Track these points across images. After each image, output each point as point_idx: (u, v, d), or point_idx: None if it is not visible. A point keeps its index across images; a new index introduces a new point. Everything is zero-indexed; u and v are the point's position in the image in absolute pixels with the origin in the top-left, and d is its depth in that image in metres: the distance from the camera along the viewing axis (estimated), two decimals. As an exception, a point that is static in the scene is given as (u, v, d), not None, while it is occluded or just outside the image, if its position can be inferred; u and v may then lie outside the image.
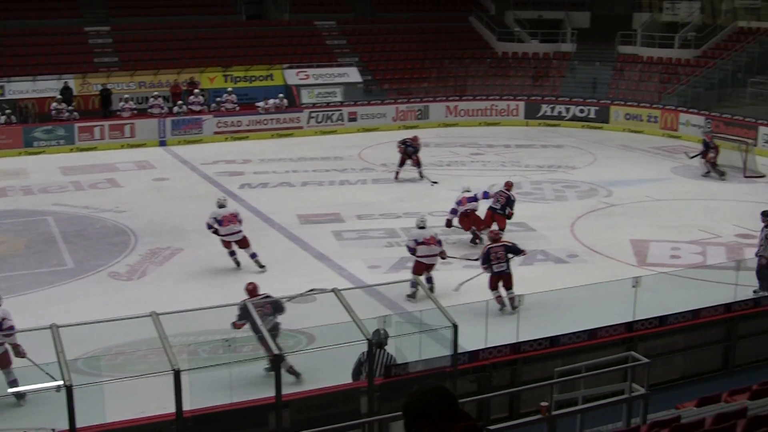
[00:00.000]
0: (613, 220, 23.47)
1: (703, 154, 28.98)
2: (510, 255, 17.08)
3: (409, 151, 28.46)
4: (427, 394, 4.79)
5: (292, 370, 13.36)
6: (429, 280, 17.79)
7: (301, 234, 22.11)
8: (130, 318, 13.37)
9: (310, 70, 40.98)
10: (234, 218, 19.47)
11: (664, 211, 24.51)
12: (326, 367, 13.32)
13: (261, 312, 13.35)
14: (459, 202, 21.52)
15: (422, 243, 17.82)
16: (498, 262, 16.92)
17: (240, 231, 19.46)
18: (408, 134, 29.95)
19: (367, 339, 12.00)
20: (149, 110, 36.69)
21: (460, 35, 46.45)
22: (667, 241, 21.41)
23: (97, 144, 34.70)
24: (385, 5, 47.61)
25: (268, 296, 14.26)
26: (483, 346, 13.32)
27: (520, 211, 22.25)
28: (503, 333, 13.75)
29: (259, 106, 37.53)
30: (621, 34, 42.93)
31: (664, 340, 14.48)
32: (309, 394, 12.51)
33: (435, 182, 27.69)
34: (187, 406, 11.41)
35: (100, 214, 24.25)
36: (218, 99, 38.19)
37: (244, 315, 13.53)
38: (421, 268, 17.82)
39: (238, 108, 37.64)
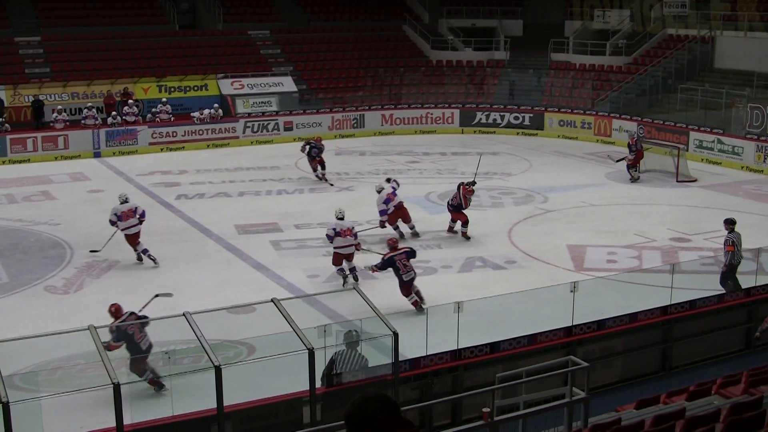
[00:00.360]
0: (550, 226, 23.72)
1: (629, 161, 29.53)
2: (411, 259, 17.60)
3: (313, 152, 29.20)
4: (369, 402, 4.82)
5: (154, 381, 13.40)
6: (352, 270, 19.03)
7: (239, 244, 22.04)
8: (68, 332, 13.26)
9: (244, 80, 40.85)
10: (132, 213, 20.66)
11: (599, 216, 24.84)
12: (268, 378, 13.28)
13: (136, 331, 13.42)
14: (387, 200, 22.21)
15: (339, 234, 18.82)
16: (406, 270, 17.33)
17: (136, 225, 20.58)
18: (342, 143, 29.97)
19: (308, 348, 12.01)
20: (83, 121, 36.25)
21: (394, 44, 46.64)
22: (603, 245, 21.70)
23: (30, 156, 34.21)
24: (319, 14, 47.61)
25: (132, 313, 14.02)
26: (424, 354, 13.40)
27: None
28: (444, 340, 13.83)
29: (194, 117, 37.31)
30: (553, 42, 43.40)
31: (602, 344, 14.70)
32: (251, 404, 12.46)
33: (332, 184, 28.72)
34: (128, 420, 11.34)
35: (34, 227, 23.91)
36: (153, 110, 37.89)
37: (121, 336, 13.45)
38: (339, 258, 18.94)
39: (173, 118, 37.38)
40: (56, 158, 34.36)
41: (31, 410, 11.60)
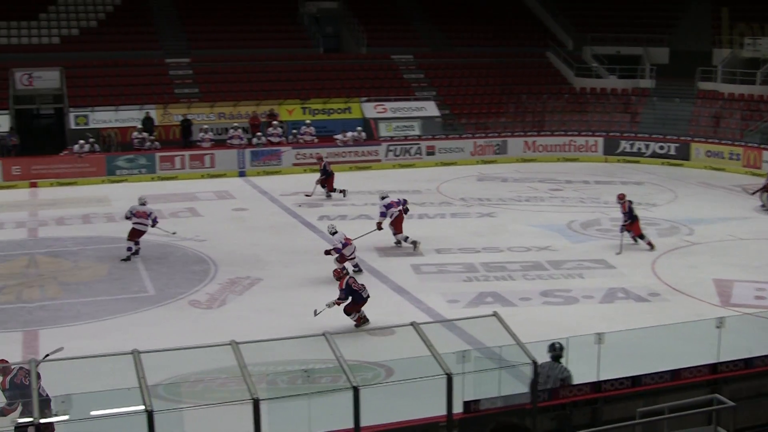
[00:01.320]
0: (695, 259, 23.07)
1: (765, 188, 28.63)
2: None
3: (328, 168, 31.36)
4: (506, 430, 4.75)
5: None
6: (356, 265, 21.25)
7: (380, 266, 22.12)
8: (211, 346, 13.48)
9: (387, 104, 41.21)
10: (146, 215, 23.20)
11: (748, 250, 24.03)
12: (405, 401, 13.24)
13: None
14: (389, 206, 23.94)
15: (345, 245, 20.84)
16: (363, 288, 17.93)
17: (146, 225, 23.14)
18: (484, 169, 29.80)
19: (446, 374, 11.91)
20: (228, 141, 37.16)
21: (537, 70, 46.32)
22: (751, 281, 20.97)
23: (177, 173, 35.23)
24: (461, 39, 47.66)
25: (22, 368, 13.13)
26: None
27: (599, 248, 22.08)
28: (584, 371, 13.55)
29: (337, 139, 37.78)
30: (701, 70, 42.41)
31: (750, 383, 14.15)
32: (388, 427, 12.43)
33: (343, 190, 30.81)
34: (266, 436, 11.44)
35: (180, 243, 24.55)
36: (295, 131, 38.53)
37: (15, 396, 12.72)
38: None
39: (316, 140, 37.94)
40: (202, 176, 35.28)
41: (174, 420, 11.84)
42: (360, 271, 21.20)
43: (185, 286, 20.50)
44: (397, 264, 22.33)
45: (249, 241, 24.68)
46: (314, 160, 34.68)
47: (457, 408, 12.43)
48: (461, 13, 48.80)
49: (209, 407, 12.60)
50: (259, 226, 26.71)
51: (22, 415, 12.77)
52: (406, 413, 12.79)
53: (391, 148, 38.39)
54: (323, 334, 12.60)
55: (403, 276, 21.27)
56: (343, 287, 17.60)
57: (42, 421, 11.17)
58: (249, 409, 11.27)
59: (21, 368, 13.14)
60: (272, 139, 37.39)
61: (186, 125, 38.19)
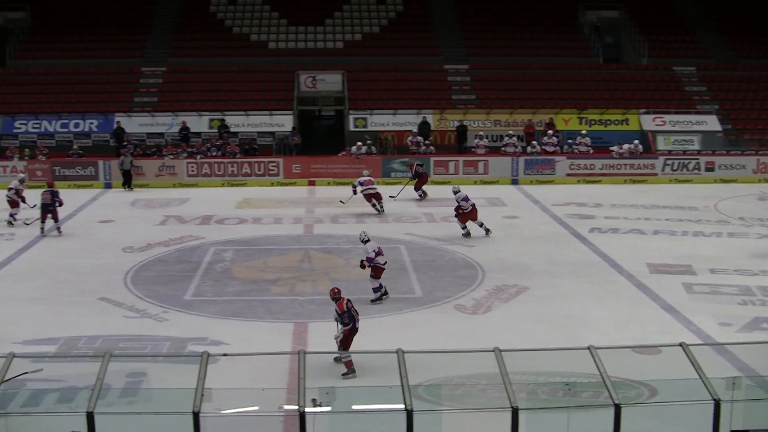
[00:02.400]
0: None
1: None
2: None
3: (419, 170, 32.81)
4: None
5: None
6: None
7: (650, 283, 21.38)
8: (473, 351, 13.51)
9: (667, 117, 40.02)
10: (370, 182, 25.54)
11: None
12: (667, 424, 12.72)
13: None
14: (465, 198, 26.04)
15: (378, 254, 19.77)
16: (357, 319, 16.16)
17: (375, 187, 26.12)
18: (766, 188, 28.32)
19: (714, 399, 11.35)
20: (503, 148, 37.22)
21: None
22: None
23: (451, 178, 35.61)
24: (749, 51, 45.54)
25: None
26: None
27: None
28: None
29: (613, 150, 37.02)
30: None
31: None
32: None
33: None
34: (522, 446, 11.29)
35: (450, 247, 24.75)
36: (570, 141, 38.07)
37: None
38: (380, 272, 19.89)
39: (591, 151, 37.32)
40: (475, 182, 35.50)
41: (432, 421, 11.91)
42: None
43: (452, 290, 20.61)
44: (668, 281, 21.53)
45: (518, 249, 24.55)
46: (588, 172, 34.25)
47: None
48: (749, 24, 46.64)
49: (467, 412, 12.58)
50: (529, 235, 26.53)
51: None
52: (669, 436, 12.30)
53: (669, 162, 37.14)
54: (588, 348, 12.32)
55: (673, 294, 20.46)
56: (345, 310, 15.95)
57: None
58: (507, 417, 11.18)
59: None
60: (547, 148, 37.11)
61: (461, 131, 38.58)
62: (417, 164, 33.45)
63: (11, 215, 27.76)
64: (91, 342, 16.91)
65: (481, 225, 26.26)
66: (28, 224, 27.10)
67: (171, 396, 11.86)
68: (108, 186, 35.23)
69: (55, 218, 26.75)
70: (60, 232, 26.84)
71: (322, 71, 41.92)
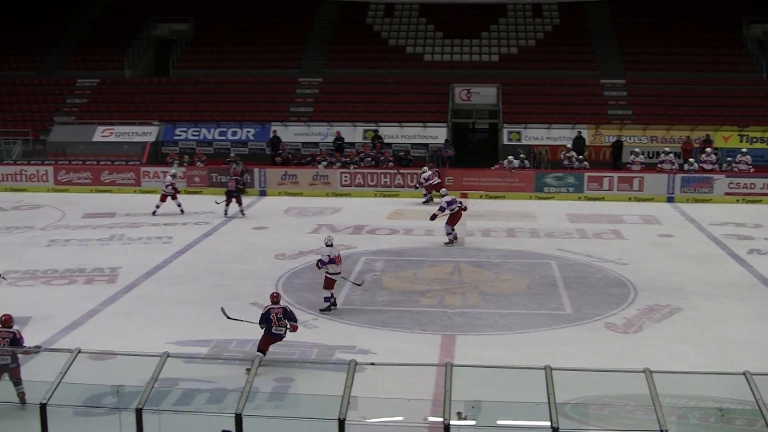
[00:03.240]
0: None
1: None
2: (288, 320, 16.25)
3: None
4: None
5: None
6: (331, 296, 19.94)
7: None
8: (623, 371, 13.25)
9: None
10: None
11: None
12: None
13: None
14: (451, 202, 26.91)
15: (332, 261, 19.57)
16: (278, 325, 16.26)
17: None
18: None
19: None
20: (659, 165, 36.44)
21: None
22: None
23: (605, 194, 35.08)
24: None
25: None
26: None
27: None
28: None
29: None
30: None
31: None
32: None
33: None
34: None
35: (602, 264, 24.37)
36: (730, 159, 36.97)
37: None
38: (331, 283, 19.81)
39: (752, 170, 36.12)
40: (630, 199, 34.86)
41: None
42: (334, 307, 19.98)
43: (603, 308, 20.28)
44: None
45: (672, 269, 23.98)
46: (747, 191, 33.37)
47: None
48: None
49: (614, 433, 12.37)
50: (684, 254, 25.87)
51: None
52: None
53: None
54: (743, 373, 11.95)
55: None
56: (263, 314, 16.37)
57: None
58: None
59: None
60: (705, 166, 36.13)
61: (617, 147, 37.97)
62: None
63: (157, 207, 31.83)
64: (242, 345, 17.31)
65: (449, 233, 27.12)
66: (218, 204, 31.26)
67: (317, 402, 12.06)
68: (263, 193, 36.05)
69: (239, 202, 31.21)
70: (243, 214, 31.31)
71: (477, 84, 41.94)
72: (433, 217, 27.45)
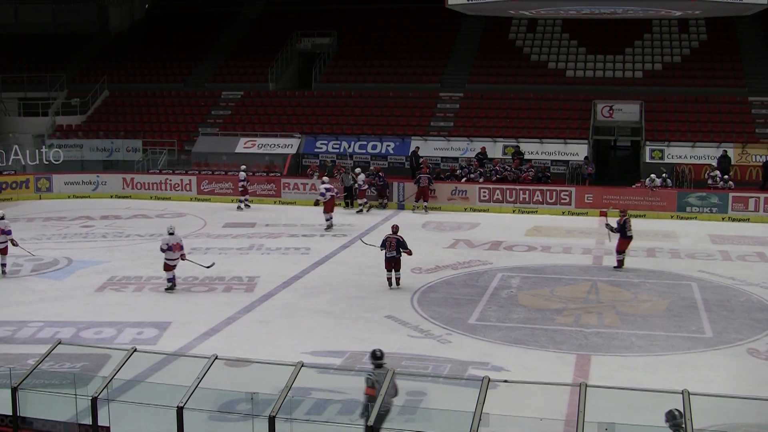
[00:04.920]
0: None
1: None
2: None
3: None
4: None
5: None
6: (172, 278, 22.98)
7: None
8: (765, 399, 12.84)
9: None
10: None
11: None
12: None
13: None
14: (329, 189, 31.40)
15: (170, 249, 22.63)
16: (389, 250, 23.12)
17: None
18: None
19: None
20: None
21: None
22: None
23: (750, 215, 34.02)
24: None
25: None
26: None
27: None
28: None
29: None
30: None
31: None
32: None
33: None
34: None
35: (746, 287, 23.63)
36: None
37: None
38: (168, 267, 22.83)
39: None
40: (776, 221, 33.86)
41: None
42: None
43: (745, 332, 19.66)
44: None
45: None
46: None
47: None
48: None
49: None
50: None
51: None
52: None
53: None
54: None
55: None
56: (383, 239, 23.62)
57: None
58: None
59: None
60: None
61: (768, 167, 36.80)
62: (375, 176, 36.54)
63: (242, 201, 36.37)
64: (376, 358, 17.40)
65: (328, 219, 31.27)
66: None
67: (449, 417, 12.02)
68: (401, 207, 36.24)
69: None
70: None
71: (620, 101, 41.31)
72: (317, 203, 32.18)
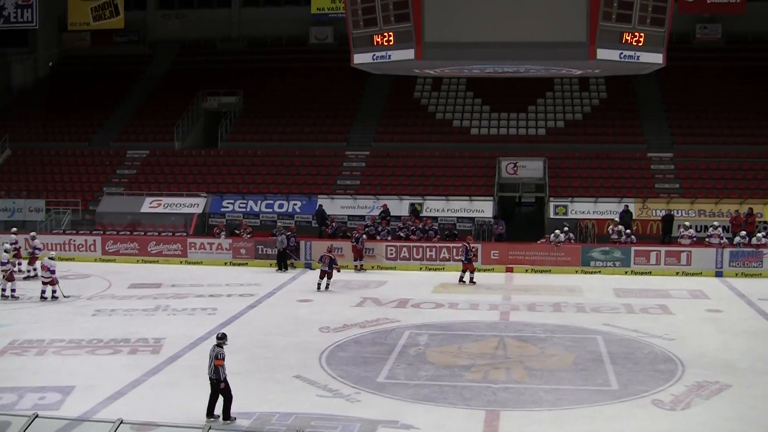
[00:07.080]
0: None
1: None
2: None
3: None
4: None
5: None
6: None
7: None
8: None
9: None
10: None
11: None
12: None
13: None
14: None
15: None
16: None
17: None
18: None
19: None
20: (707, 240, 36.01)
21: None
22: None
23: (652, 269, 34.73)
24: None
25: None
26: None
27: None
28: None
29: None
30: None
31: None
32: None
33: None
34: None
35: (649, 339, 24.02)
36: (781, 233, 36.51)
37: None
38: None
39: (802, 244, 35.62)
40: (677, 273, 34.50)
41: None
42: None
43: (650, 384, 19.91)
44: None
45: (721, 344, 23.59)
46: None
47: None
48: None
49: None
50: (733, 330, 25.46)
51: None
52: None
53: None
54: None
55: None
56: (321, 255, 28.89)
57: None
58: None
59: None
60: (754, 240, 35.68)
61: (668, 220, 37.52)
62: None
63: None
64: (284, 419, 17.18)
65: None
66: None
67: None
68: (308, 266, 36.09)
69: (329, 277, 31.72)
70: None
71: (524, 158, 41.98)
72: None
